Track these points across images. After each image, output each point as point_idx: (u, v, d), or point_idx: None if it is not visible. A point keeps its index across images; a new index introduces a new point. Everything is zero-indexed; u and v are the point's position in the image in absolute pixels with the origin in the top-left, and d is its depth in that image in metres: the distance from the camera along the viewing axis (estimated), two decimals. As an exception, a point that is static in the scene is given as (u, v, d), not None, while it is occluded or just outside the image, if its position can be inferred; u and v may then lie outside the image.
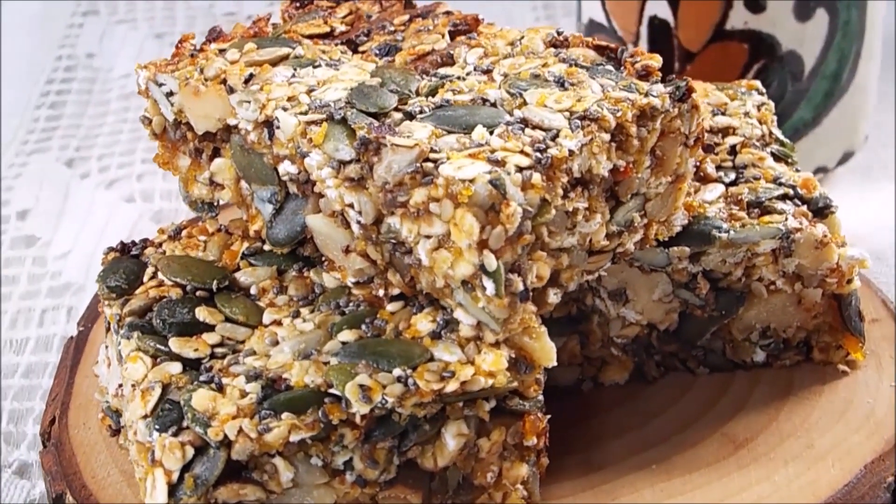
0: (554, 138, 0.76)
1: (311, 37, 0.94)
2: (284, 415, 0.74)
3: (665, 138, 0.82)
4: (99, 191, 1.35)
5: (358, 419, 0.74)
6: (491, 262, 0.73)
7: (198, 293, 0.84)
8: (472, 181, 0.73)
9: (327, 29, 0.95)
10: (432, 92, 0.83)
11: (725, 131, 0.97)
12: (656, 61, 0.84)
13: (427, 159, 0.75)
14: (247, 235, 0.89)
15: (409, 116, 0.80)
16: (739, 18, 1.15)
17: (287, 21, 0.98)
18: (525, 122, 0.78)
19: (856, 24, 1.18)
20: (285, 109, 0.81)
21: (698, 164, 0.93)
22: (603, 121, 0.77)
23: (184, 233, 0.91)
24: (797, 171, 0.94)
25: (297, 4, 1.00)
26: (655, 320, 0.90)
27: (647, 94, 0.80)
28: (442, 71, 0.86)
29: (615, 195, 0.81)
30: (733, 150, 0.95)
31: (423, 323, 0.79)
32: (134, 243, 0.90)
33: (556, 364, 0.79)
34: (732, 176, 0.93)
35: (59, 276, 1.21)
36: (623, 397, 0.91)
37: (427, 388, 0.74)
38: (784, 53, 1.17)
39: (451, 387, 0.75)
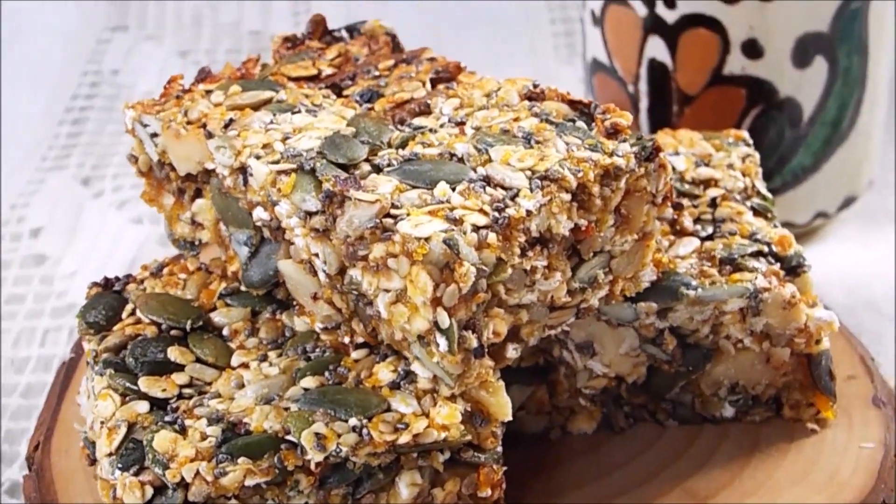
0: (514, 198, 0.78)
1: (297, 79, 0.95)
2: (241, 459, 0.76)
3: (630, 197, 0.83)
4: (111, 211, 1.38)
5: (313, 466, 0.76)
6: (444, 319, 0.75)
7: (172, 332, 0.87)
8: (427, 239, 0.74)
9: (314, 71, 0.96)
10: (403, 144, 0.84)
11: (707, 183, 0.98)
12: (626, 119, 0.84)
13: (388, 215, 0.77)
14: (225, 275, 0.91)
15: (378, 169, 0.82)
16: (737, 64, 1.16)
17: (278, 61, 1.00)
18: (487, 180, 0.79)
19: (857, 71, 1.18)
20: (258, 157, 0.83)
21: (675, 217, 0.94)
22: (563, 181, 0.79)
23: (165, 270, 0.93)
24: (775, 226, 0.94)
25: (289, 45, 1.02)
26: (623, 373, 0.91)
27: (612, 154, 0.81)
28: (417, 121, 0.88)
29: (578, 252, 0.82)
30: (714, 203, 0.96)
31: (384, 372, 0.81)
32: (117, 279, 0.93)
33: (511, 419, 0.80)
34: (710, 230, 0.93)
35: (64, 296, 1.24)
36: (589, 447, 0.92)
37: (380, 439, 0.76)
38: (782, 99, 1.17)
39: (404, 439, 0.76)
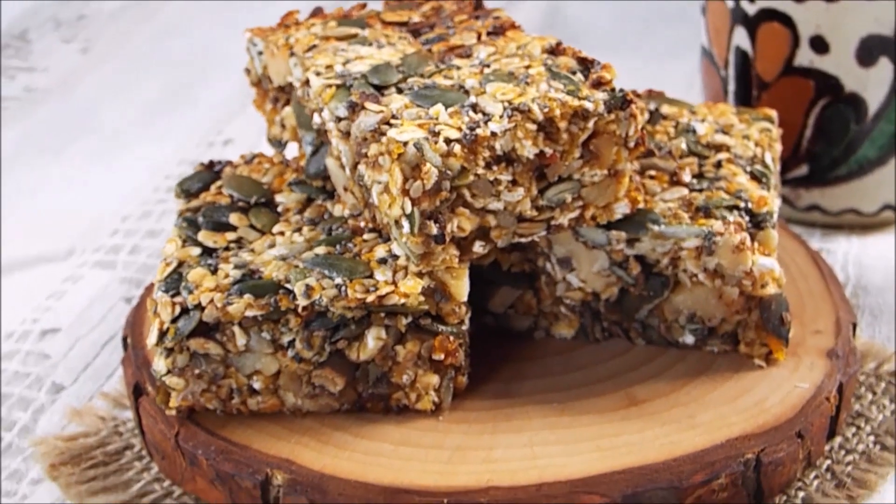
0: (487, 122, 0.96)
1: (389, 23, 1.16)
2: (246, 296, 0.98)
3: (600, 137, 0.99)
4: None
5: (300, 310, 0.97)
6: (408, 207, 0.95)
7: (240, 204, 1.10)
8: (405, 143, 0.94)
9: (405, 19, 1.17)
10: (431, 76, 1.04)
11: (720, 148, 1.12)
12: (610, 74, 1.01)
13: (387, 123, 0.97)
14: (298, 169, 1.14)
15: (400, 91, 1.02)
16: (806, 57, 1.28)
17: (385, 9, 1.21)
18: (474, 107, 0.98)
19: (924, 74, 1.27)
20: (318, 74, 1.05)
21: (677, 170, 1.09)
22: (530, 113, 0.96)
23: (255, 160, 1.16)
24: (763, 189, 1.08)
25: (399, -4, 1.23)
26: (597, 289, 1.07)
27: (583, 99, 0.98)
28: (456, 62, 1.07)
29: (546, 176, 1.00)
30: (719, 164, 1.11)
31: (380, 251, 1.01)
32: (220, 162, 1.17)
33: (465, 300, 0.99)
34: (705, 185, 1.08)
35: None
36: (565, 349, 1.09)
37: (353, 296, 0.97)
38: (848, 94, 1.28)
39: (370, 298, 0.96)
